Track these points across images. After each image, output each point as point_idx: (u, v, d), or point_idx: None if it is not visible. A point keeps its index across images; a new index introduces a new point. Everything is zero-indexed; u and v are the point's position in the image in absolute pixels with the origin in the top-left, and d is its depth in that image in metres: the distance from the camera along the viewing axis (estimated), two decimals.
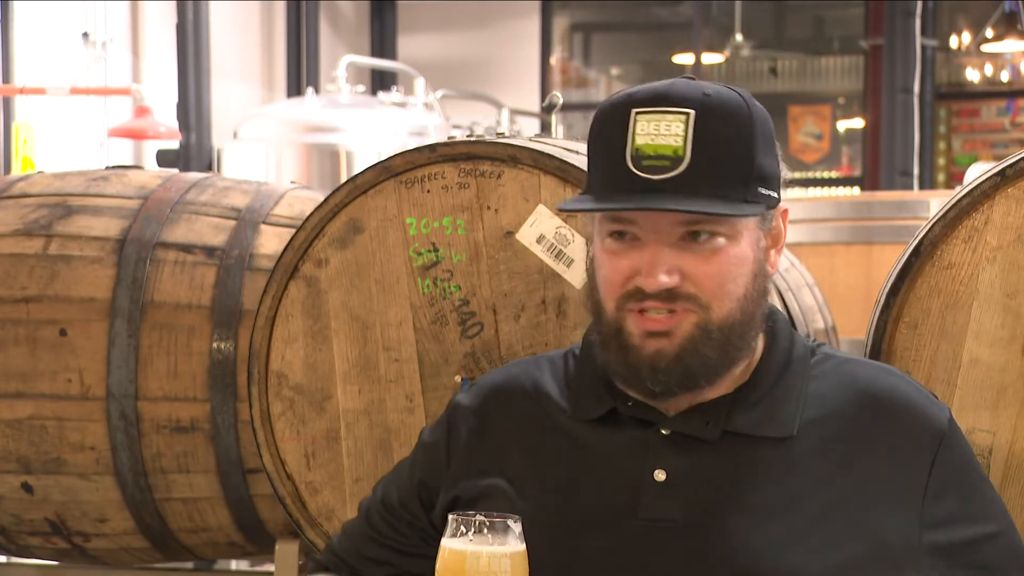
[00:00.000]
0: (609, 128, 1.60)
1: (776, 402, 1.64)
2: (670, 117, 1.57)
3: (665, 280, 1.57)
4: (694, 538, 1.58)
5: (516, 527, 1.49)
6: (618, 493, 1.63)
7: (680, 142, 1.56)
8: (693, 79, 1.63)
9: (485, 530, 1.48)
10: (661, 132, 1.56)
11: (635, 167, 1.57)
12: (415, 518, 1.81)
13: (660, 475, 1.61)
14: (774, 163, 1.63)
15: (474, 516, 1.49)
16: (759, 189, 1.59)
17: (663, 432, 1.64)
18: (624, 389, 1.66)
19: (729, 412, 1.63)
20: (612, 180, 1.60)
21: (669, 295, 1.58)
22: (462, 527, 1.48)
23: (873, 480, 1.60)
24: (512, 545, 1.48)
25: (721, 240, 1.58)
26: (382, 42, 10.01)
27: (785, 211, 1.67)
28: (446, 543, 1.49)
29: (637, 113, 1.58)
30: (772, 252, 1.66)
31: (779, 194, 1.65)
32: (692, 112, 1.56)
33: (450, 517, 1.50)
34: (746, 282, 1.61)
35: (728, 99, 1.59)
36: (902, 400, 1.65)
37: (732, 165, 1.57)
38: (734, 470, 1.61)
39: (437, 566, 1.50)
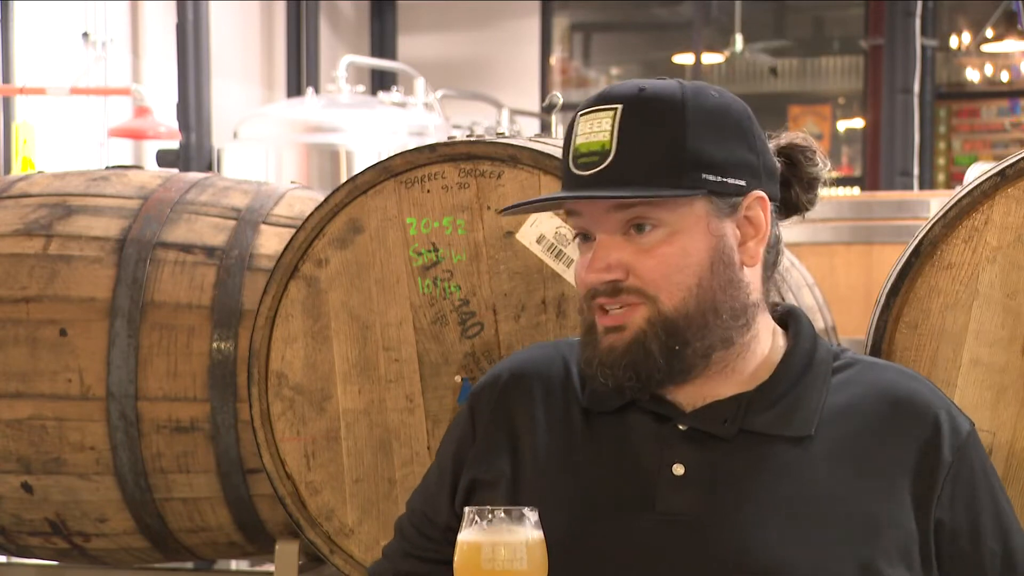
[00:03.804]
0: (566, 134, 1.67)
1: (794, 403, 1.64)
2: (601, 115, 1.61)
3: (604, 274, 1.60)
4: (709, 533, 1.59)
5: (532, 516, 1.49)
6: (634, 486, 1.63)
7: (607, 136, 1.60)
8: (661, 79, 1.66)
9: (501, 521, 1.48)
10: (593, 130, 1.61)
11: (574, 166, 1.63)
12: (442, 516, 1.80)
13: (678, 469, 1.62)
14: (734, 151, 1.62)
15: (489, 508, 1.48)
16: (702, 175, 1.59)
17: (680, 427, 1.64)
18: (590, 385, 1.66)
19: (747, 411, 1.63)
20: (563, 181, 1.66)
21: (614, 289, 1.60)
22: (476, 518, 1.48)
23: (889, 483, 1.60)
24: (529, 534, 1.48)
25: (663, 231, 1.59)
26: (382, 42, 10.01)
27: (762, 198, 1.64)
28: (463, 536, 1.49)
29: (580, 115, 1.64)
30: (751, 243, 1.64)
31: (752, 182, 1.63)
32: (619, 107, 1.60)
33: (466, 510, 1.50)
34: (699, 272, 1.60)
35: (662, 91, 1.62)
36: (922, 407, 1.64)
37: (657, 153, 1.58)
38: (751, 467, 1.61)
39: (455, 560, 1.50)
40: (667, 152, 1.59)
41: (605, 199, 1.59)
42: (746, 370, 1.66)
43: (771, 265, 1.69)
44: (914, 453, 1.61)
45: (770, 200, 1.66)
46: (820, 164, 1.73)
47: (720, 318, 1.62)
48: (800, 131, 1.74)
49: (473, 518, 1.49)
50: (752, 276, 1.65)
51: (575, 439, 1.69)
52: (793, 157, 1.71)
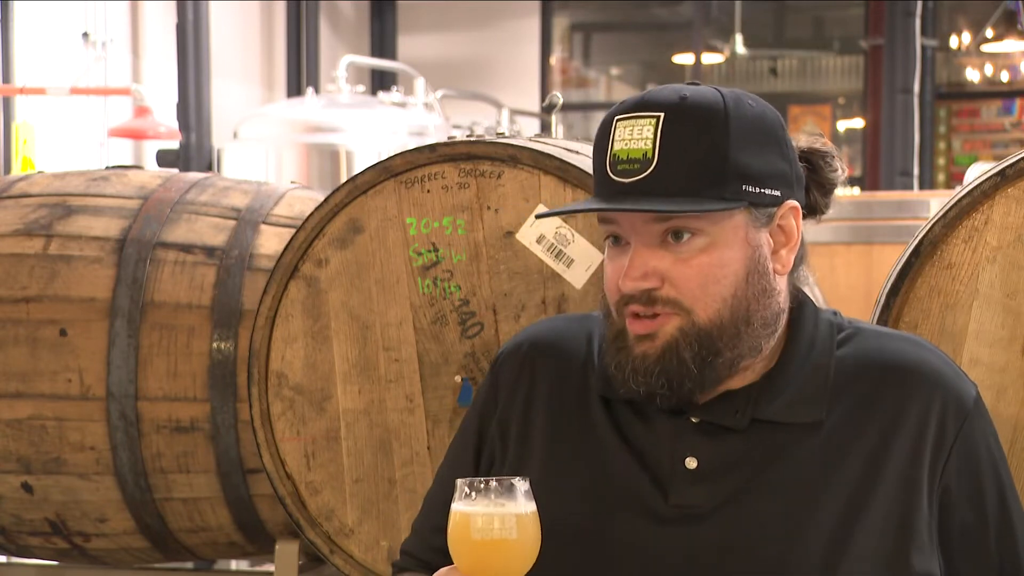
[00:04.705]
0: (599, 136, 1.65)
1: (803, 387, 1.64)
2: (642, 121, 1.60)
3: (641, 282, 1.59)
4: (723, 525, 1.59)
5: (523, 486, 1.49)
6: (647, 479, 1.63)
7: (649, 144, 1.58)
8: (696, 84, 1.65)
9: (492, 492, 1.48)
10: (634, 136, 1.60)
11: (612, 172, 1.61)
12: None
13: (691, 463, 1.62)
14: (771, 161, 1.62)
15: (481, 479, 1.49)
16: (742, 187, 1.59)
17: (693, 420, 1.64)
18: (618, 389, 1.66)
19: (757, 400, 1.64)
20: (598, 186, 1.65)
21: (649, 298, 1.60)
22: (466, 489, 1.49)
23: (901, 458, 1.61)
24: (521, 505, 1.48)
25: (702, 240, 1.59)
26: (382, 42, 10.01)
27: (795, 208, 1.65)
28: (455, 507, 1.49)
29: (617, 120, 1.62)
30: (783, 251, 1.65)
31: (786, 192, 1.64)
32: (661, 115, 1.59)
33: (458, 482, 1.50)
34: (734, 282, 1.60)
35: (704, 100, 1.60)
36: (931, 374, 1.65)
37: (701, 164, 1.58)
38: (764, 457, 1.62)
39: (448, 530, 1.50)
40: (710, 163, 1.58)
41: (649, 212, 1.57)
42: (757, 364, 1.66)
43: (795, 268, 1.70)
44: (923, 425, 1.62)
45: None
46: (839, 170, 1.74)
47: (752, 327, 1.62)
48: (819, 135, 1.74)
49: (464, 489, 1.49)
50: (781, 283, 1.66)
51: (590, 425, 1.69)
52: (814, 162, 1.72)
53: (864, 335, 1.70)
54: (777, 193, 1.63)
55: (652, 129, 1.58)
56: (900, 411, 1.63)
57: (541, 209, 2.23)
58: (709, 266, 1.59)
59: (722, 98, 1.61)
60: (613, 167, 1.60)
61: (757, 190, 1.60)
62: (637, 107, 1.61)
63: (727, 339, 1.60)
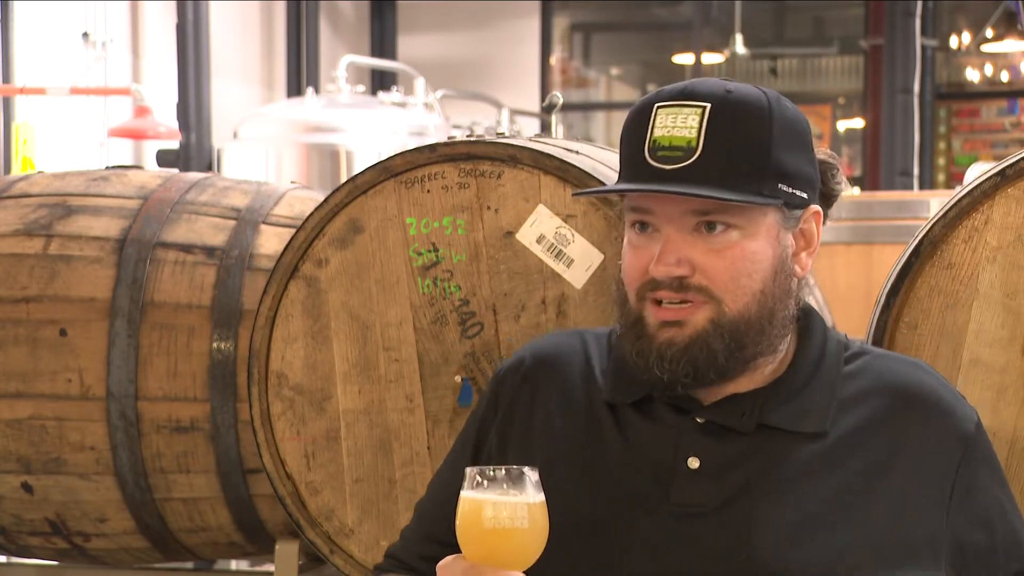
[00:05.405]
0: (635, 122, 1.65)
1: (809, 398, 1.65)
2: (687, 110, 1.60)
3: (674, 269, 1.60)
4: (724, 525, 1.60)
5: (533, 475, 1.49)
6: (650, 478, 1.64)
7: (694, 134, 1.59)
8: (728, 80, 1.66)
9: (503, 481, 1.48)
10: (678, 124, 1.60)
11: (651, 157, 1.61)
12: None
13: (694, 462, 1.63)
14: (803, 164, 1.64)
15: (491, 468, 1.49)
16: (779, 185, 1.61)
17: (698, 420, 1.65)
18: (638, 377, 1.66)
19: (764, 405, 1.65)
20: (631, 170, 1.64)
21: (680, 285, 1.60)
22: (477, 477, 1.49)
23: (903, 476, 1.62)
24: (531, 495, 1.48)
25: (736, 233, 1.60)
26: (382, 42, 10.02)
27: (818, 213, 1.67)
28: (465, 494, 1.49)
29: (659, 107, 1.62)
30: (803, 254, 1.67)
31: (811, 196, 1.66)
32: (708, 105, 1.60)
33: (467, 470, 1.50)
34: (763, 278, 1.62)
35: (749, 96, 1.62)
36: (933, 399, 1.66)
37: (744, 158, 1.59)
38: (767, 461, 1.62)
39: (457, 518, 1.50)
40: (753, 157, 1.59)
41: (695, 197, 1.58)
42: (767, 367, 1.67)
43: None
44: (927, 446, 1.63)
45: None
46: (843, 183, 1.76)
47: (773, 326, 1.64)
48: (825, 148, 1.75)
49: (475, 478, 1.49)
50: (796, 287, 1.68)
51: (593, 429, 1.70)
52: (821, 173, 1.73)
53: (869, 356, 1.72)
54: (805, 196, 1.65)
55: (698, 119, 1.59)
56: (902, 431, 1.64)
57: (543, 209, 2.23)
58: (741, 259, 1.60)
59: (765, 96, 1.63)
60: (652, 153, 1.60)
61: (791, 190, 1.63)
62: (682, 95, 1.61)
63: (753, 334, 1.62)
